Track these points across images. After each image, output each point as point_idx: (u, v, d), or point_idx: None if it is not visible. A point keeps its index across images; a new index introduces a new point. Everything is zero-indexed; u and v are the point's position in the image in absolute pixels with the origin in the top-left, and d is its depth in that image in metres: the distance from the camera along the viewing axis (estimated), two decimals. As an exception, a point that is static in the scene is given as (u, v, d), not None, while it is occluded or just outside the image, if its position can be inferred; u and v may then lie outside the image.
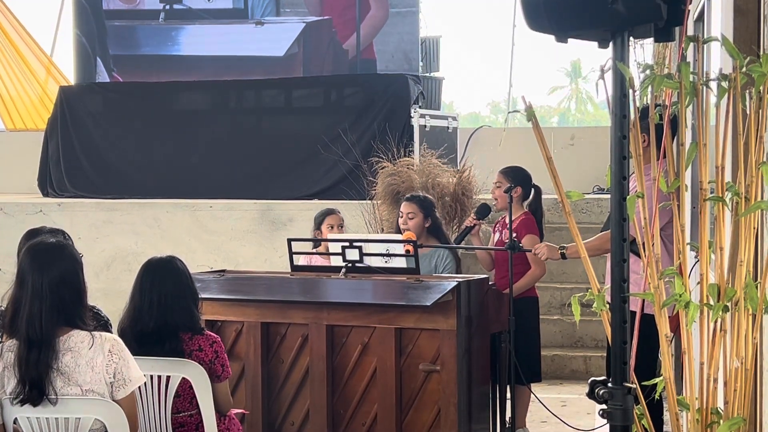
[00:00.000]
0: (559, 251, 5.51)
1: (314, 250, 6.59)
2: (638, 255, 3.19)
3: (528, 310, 6.24)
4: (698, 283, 3.00)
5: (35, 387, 3.58)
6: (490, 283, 5.59)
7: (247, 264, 9.34)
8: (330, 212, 6.82)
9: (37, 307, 3.58)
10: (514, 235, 6.15)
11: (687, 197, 3.33)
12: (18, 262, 3.76)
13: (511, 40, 13.23)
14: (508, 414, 5.87)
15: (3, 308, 3.87)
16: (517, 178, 6.30)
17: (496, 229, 6.46)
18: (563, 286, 8.95)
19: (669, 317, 3.13)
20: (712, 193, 3.02)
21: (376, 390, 5.28)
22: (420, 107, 10.39)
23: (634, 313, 2.89)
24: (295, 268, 5.94)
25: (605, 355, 8.19)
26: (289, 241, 5.95)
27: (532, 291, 6.36)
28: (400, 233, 6.40)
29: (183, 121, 11.10)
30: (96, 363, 3.61)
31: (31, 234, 4.66)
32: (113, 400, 3.65)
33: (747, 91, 2.96)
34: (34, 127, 13.13)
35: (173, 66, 11.82)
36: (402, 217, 6.47)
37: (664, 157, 3.07)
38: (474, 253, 9.14)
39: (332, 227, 6.67)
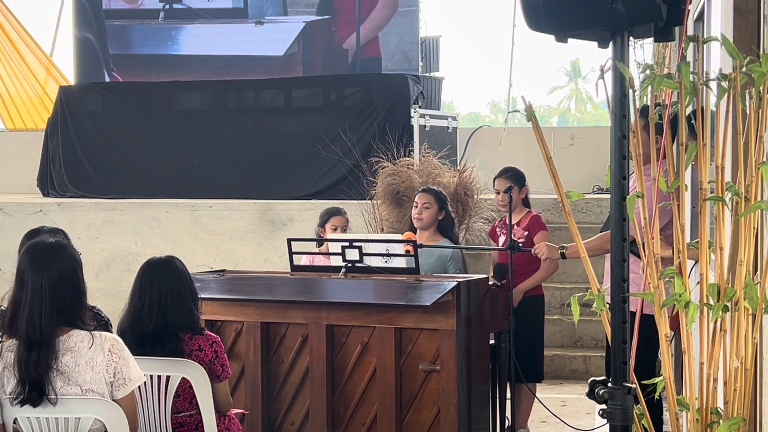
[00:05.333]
0: (559, 251, 5.51)
1: (317, 250, 6.57)
2: (638, 255, 3.19)
3: (535, 308, 6.29)
4: (698, 282, 3.00)
5: (35, 388, 3.58)
6: (489, 283, 5.58)
7: (247, 264, 9.34)
8: (336, 212, 6.75)
9: (36, 308, 3.58)
10: (526, 233, 6.19)
11: (687, 197, 3.33)
12: (18, 262, 3.76)
13: (511, 40, 13.23)
14: (509, 414, 5.88)
15: (3, 308, 3.87)
16: (518, 179, 6.33)
17: (500, 232, 6.41)
18: (563, 286, 8.95)
19: (669, 317, 3.13)
20: (712, 193, 3.02)
21: (375, 390, 5.28)
22: (420, 107, 10.39)
23: (633, 314, 2.89)
24: (295, 268, 5.94)
25: (605, 355, 8.19)
26: (289, 240, 5.95)
27: (538, 289, 6.37)
28: (412, 226, 6.38)
29: (183, 120, 11.09)
30: (96, 363, 3.61)
31: (32, 234, 4.66)
32: (113, 400, 3.65)
33: (747, 91, 2.96)
34: (34, 127, 13.13)
35: (173, 66, 11.82)
36: (417, 207, 6.37)
37: (664, 157, 3.07)
38: (474, 253, 9.15)
39: (336, 228, 6.63)
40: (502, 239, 6.36)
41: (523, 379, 5.82)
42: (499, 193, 6.29)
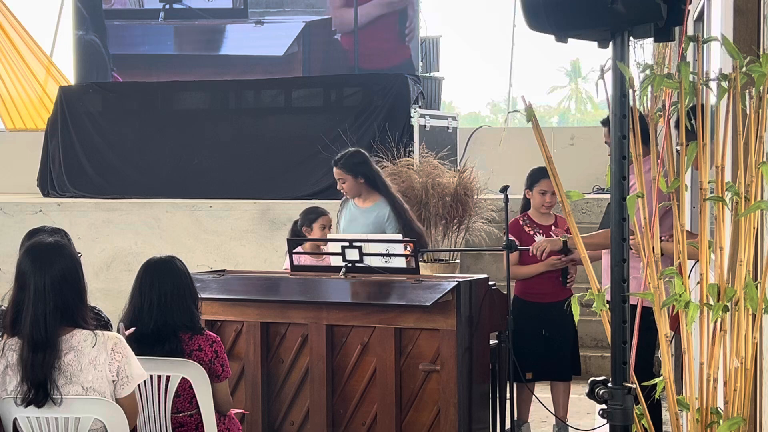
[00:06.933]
0: (562, 240, 5.62)
1: (300, 249, 6.53)
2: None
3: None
4: (698, 282, 3.00)
5: (40, 389, 3.58)
6: (491, 284, 5.58)
7: (247, 264, 9.34)
8: (324, 212, 6.68)
9: (41, 309, 3.57)
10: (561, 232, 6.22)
11: (687, 197, 3.33)
12: (17, 262, 3.75)
13: (511, 40, 13.25)
14: (515, 413, 5.87)
15: (3, 308, 3.87)
16: None
17: (531, 231, 6.25)
18: (563, 286, 8.93)
19: (669, 317, 3.13)
20: (712, 193, 3.02)
21: (375, 390, 5.28)
22: (420, 107, 10.38)
23: (634, 307, 2.89)
24: (295, 268, 5.94)
25: (600, 353, 8.20)
26: (289, 241, 5.95)
27: (567, 292, 6.41)
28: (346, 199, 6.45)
29: (183, 121, 11.09)
30: (99, 362, 3.61)
31: (32, 234, 4.66)
32: (116, 398, 3.65)
33: (747, 91, 2.96)
34: (34, 127, 13.13)
35: (173, 65, 11.81)
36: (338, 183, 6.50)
37: (664, 165, 3.07)
38: (474, 253, 9.14)
39: (325, 227, 6.57)
40: (538, 238, 6.19)
41: (522, 377, 5.80)
42: (545, 193, 6.17)
